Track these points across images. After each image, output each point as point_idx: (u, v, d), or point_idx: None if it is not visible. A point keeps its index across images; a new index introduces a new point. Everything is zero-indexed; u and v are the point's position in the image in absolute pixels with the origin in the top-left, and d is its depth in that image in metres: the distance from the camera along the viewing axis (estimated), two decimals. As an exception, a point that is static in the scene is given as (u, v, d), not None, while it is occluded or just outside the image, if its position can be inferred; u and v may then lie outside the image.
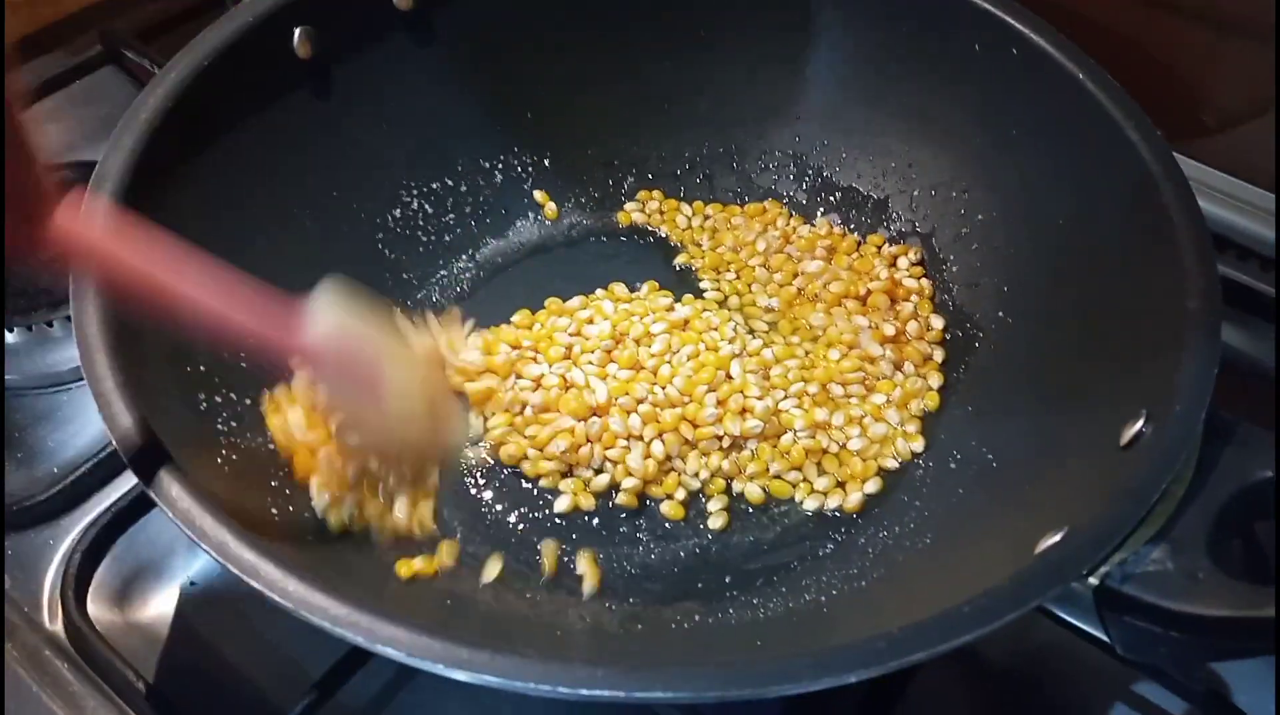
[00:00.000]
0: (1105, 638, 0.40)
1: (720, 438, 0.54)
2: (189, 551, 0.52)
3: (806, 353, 0.57)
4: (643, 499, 0.53)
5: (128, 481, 0.53)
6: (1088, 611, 0.39)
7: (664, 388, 0.54)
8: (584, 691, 0.34)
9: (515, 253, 0.63)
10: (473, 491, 0.53)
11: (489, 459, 0.54)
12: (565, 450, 0.53)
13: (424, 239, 0.61)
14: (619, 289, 0.60)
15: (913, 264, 0.61)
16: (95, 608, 0.50)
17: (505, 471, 0.53)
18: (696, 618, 0.47)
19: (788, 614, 0.47)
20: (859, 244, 0.63)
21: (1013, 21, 0.54)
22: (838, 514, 0.53)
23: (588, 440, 0.53)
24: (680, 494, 0.53)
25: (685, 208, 0.65)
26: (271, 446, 0.48)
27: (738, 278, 0.62)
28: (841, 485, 0.53)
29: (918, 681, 0.47)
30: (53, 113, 0.71)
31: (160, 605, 0.51)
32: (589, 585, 0.49)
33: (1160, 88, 0.54)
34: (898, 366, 0.57)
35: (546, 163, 0.64)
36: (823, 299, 0.60)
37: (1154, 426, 0.41)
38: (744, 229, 0.64)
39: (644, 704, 0.34)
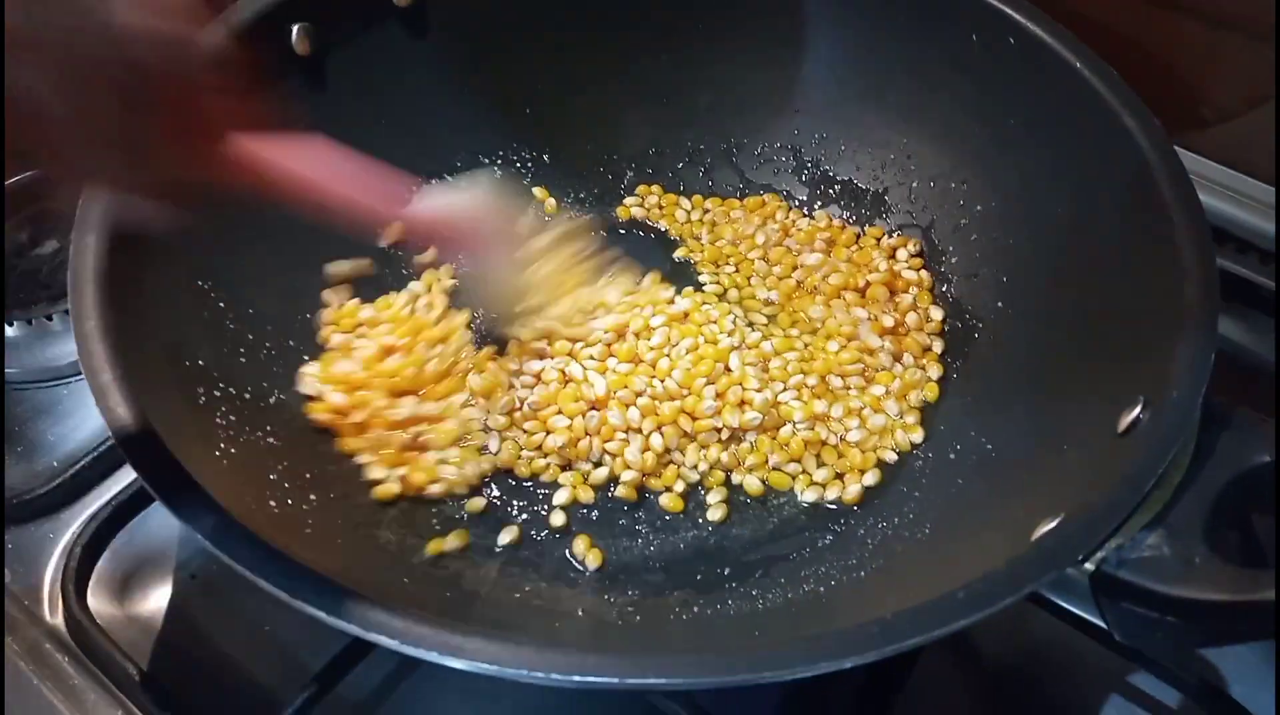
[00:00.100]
0: (1102, 623, 0.40)
1: (719, 430, 0.54)
2: (189, 545, 0.52)
3: (806, 345, 0.57)
4: (642, 491, 0.53)
5: (128, 475, 0.54)
6: (1084, 597, 0.39)
7: (663, 381, 0.54)
8: (576, 678, 0.34)
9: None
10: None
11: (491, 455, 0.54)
12: (564, 444, 0.53)
13: (423, 236, 0.61)
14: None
15: (912, 256, 0.61)
16: (95, 601, 0.50)
17: (504, 465, 0.54)
18: (695, 609, 0.47)
19: (786, 605, 0.47)
20: (858, 236, 0.63)
21: (1010, 11, 0.54)
22: (836, 505, 0.53)
23: (586, 433, 0.53)
24: (679, 486, 0.53)
25: (684, 202, 0.65)
26: (272, 441, 0.48)
27: (737, 271, 0.62)
28: (840, 477, 0.53)
29: (916, 674, 0.47)
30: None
31: (160, 599, 0.52)
32: (592, 564, 0.49)
33: (1160, 82, 0.54)
34: (897, 358, 0.57)
35: (546, 158, 0.65)
36: (822, 291, 0.60)
37: (1151, 413, 0.41)
38: (743, 222, 0.64)
39: (639, 690, 0.34)
